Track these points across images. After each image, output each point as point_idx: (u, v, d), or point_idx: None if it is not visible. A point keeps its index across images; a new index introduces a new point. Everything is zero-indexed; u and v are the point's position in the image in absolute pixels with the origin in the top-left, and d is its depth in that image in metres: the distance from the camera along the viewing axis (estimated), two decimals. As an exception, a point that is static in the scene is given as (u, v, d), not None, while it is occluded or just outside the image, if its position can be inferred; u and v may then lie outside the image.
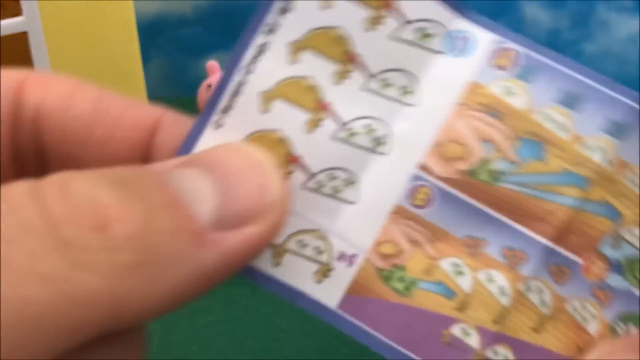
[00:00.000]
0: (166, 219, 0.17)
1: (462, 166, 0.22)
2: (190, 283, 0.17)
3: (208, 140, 0.22)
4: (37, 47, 0.45)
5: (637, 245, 0.22)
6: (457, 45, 0.22)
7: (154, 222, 0.16)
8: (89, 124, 0.21)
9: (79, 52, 0.51)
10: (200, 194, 0.18)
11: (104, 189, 0.16)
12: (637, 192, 0.22)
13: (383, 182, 0.22)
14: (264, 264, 0.22)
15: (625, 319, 0.22)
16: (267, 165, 0.20)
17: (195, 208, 0.17)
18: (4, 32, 0.43)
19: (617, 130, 0.22)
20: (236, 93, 0.22)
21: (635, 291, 0.22)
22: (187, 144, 0.22)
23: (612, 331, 0.22)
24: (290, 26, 0.22)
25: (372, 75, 0.22)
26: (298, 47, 0.22)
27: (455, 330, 0.22)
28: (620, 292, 0.22)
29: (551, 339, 0.22)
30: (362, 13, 0.22)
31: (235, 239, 0.18)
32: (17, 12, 0.44)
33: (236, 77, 0.21)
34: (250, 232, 0.18)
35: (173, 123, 0.22)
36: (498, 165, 0.22)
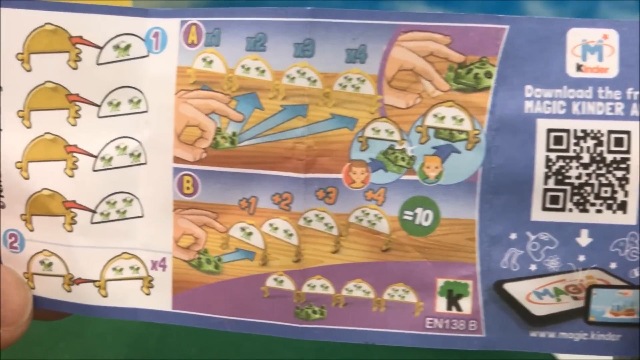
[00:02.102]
0: None
1: (204, 144, 0.22)
2: None
3: (2, 219, 0.24)
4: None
5: (385, 137, 0.23)
6: (154, 42, 0.22)
7: None
8: None
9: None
10: None
11: None
12: (359, 92, 0.22)
13: (154, 188, 0.23)
14: (92, 299, 0.25)
15: (411, 205, 0.23)
16: (28, 289, 0.24)
17: None
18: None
19: (304, 50, 0.21)
20: (-2, 175, 0.24)
21: (404, 177, 0.23)
22: None
23: (403, 222, 0.23)
24: (9, 100, 0.24)
25: (99, 104, 0.24)
26: (25, 113, 0.24)
27: (270, 282, 0.24)
28: (391, 185, 0.22)
29: (352, 253, 0.23)
30: (61, 58, 0.24)
31: None
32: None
33: (-10, 163, 0.24)
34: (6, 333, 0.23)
35: None
36: (230, 129, 0.22)
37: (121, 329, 0.40)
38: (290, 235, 0.22)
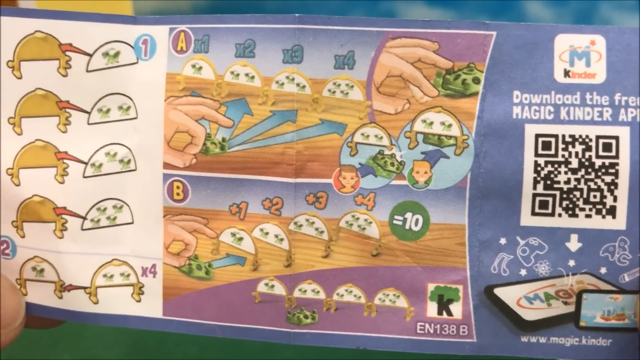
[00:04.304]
0: None
1: (194, 149, 0.23)
2: None
3: None
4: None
5: (374, 142, 0.24)
6: (143, 49, 0.23)
7: None
8: None
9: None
10: None
11: None
12: (348, 98, 0.23)
13: (144, 194, 0.24)
14: (83, 306, 0.26)
15: (401, 210, 0.24)
16: (21, 294, 0.25)
17: None
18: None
19: (293, 56, 0.22)
20: (-12, 183, 0.25)
21: (394, 182, 0.24)
22: None
23: (393, 227, 0.24)
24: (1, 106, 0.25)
25: (89, 111, 0.25)
26: (16, 120, 0.25)
27: (261, 287, 0.24)
28: (381, 190, 0.23)
29: (343, 258, 0.24)
30: (51, 65, 0.24)
31: None
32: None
33: (-20, 170, 0.25)
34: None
35: None
36: (219, 134, 0.23)
37: (121, 329, 0.41)
38: (281, 240, 0.23)
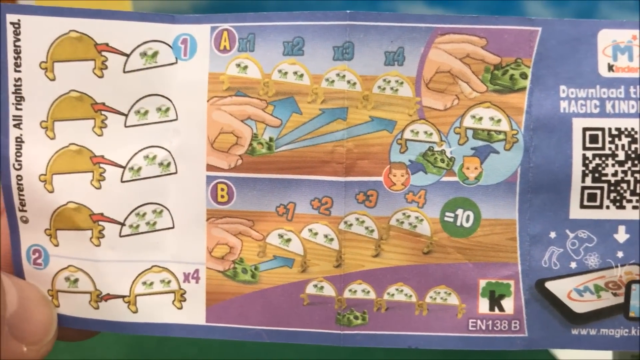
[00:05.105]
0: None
1: (239, 150, 0.23)
2: None
3: (25, 234, 0.24)
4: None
5: (424, 139, 0.24)
6: (183, 49, 0.23)
7: None
8: None
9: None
10: (9, 297, 0.22)
11: None
12: (398, 95, 0.23)
13: (186, 198, 0.23)
14: (121, 315, 0.25)
15: (452, 206, 0.24)
16: (52, 307, 0.24)
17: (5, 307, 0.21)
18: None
19: (344, 53, 0.22)
20: (20, 189, 0.24)
21: (444, 178, 0.24)
22: (13, 240, 0.25)
23: (445, 224, 0.24)
24: (32, 110, 0.23)
25: (126, 113, 0.24)
26: (49, 123, 0.24)
27: (310, 289, 0.24)
28: (432, 186, 0.23)
29: (393, 257, 0.24)
30: (86, 66, 0.24)
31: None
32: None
33: (12, 175, 0.24)
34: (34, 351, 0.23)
35: None
36: (266, 134, 0.23)
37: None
38: (331, 240, 0.23)
